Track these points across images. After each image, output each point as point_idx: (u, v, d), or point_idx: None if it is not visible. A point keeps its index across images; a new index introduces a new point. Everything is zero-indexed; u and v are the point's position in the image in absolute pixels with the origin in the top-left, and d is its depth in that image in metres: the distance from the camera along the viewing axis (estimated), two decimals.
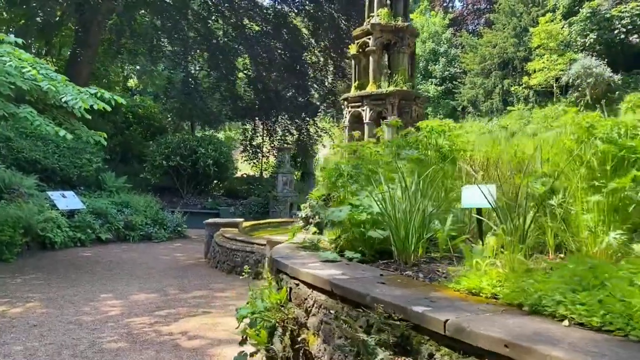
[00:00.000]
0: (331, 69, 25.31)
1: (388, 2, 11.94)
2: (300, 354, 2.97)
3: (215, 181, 21.84)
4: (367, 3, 12.33)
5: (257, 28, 24.19)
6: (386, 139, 7.57)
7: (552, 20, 29.25)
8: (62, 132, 8.86)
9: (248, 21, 23.92)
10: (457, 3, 44.37)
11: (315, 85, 25.59)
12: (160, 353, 5.14)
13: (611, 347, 1.66)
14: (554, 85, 28.81)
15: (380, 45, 11.61)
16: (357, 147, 4.51)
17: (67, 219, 12.45)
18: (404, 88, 11.17)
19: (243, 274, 4.52)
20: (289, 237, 4.25)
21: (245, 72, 25.82)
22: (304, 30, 25.04)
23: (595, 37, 27.78)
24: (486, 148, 3.64)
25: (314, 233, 7.11)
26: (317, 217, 11.41)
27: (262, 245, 9.36)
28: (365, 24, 11.95)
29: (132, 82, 30.09)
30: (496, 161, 3.41)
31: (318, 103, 26.63)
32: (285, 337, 3.10)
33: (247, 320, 3.73)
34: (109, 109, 9.26)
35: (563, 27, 29.21)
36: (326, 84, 25.63)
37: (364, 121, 11.29)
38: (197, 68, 26.84)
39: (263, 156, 26.19)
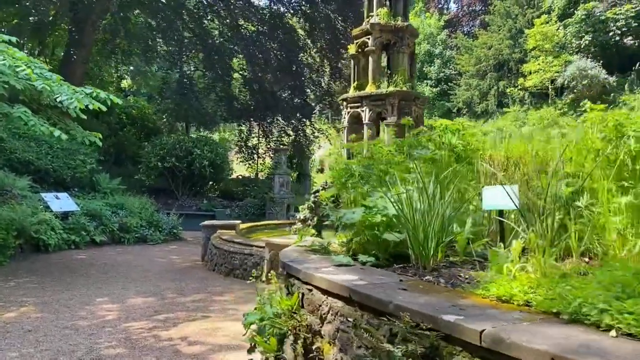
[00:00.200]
0: (327, 69, 25.19)
1: (387, 2, 11.83)
2: None
3: (210, 182, 21.67)
4: (366, 3, 12.22)
5: (252, 28, 24.04)
6: (386, 140, 7.46)
7: (547, 22, 29.33)
8: (57, 133, 8.68)
9: (244, 21, 23.77)
10: (452, 5, 44.45)
11: (312, 86, 25.46)
12: (160, 359, 4.98)
13: None
14: (549, 87, 28.86)
15: (379, 45, 11.50)
16: (368, 147, 4.37)
17: (61, 221, 12.24)
18: (404, 88, 11.06)
19: (250, 278, 4.39)
20: (297, 239, 4.10)
21: (240, 72, 25.65)
22: (300, 31, 24.91)
23: (590, 39, 27.88)
24: (506, 147, 3.52)
25: (312, 235, 6.99)
26: (315, 218, 11.31)
27: (261, 247, 9.23)
28: (364, 23, 11.84)
29: (125, 83, 29.86)
30: (517, 161, 3.30)
31: (313, 104, 26.51)
32: (298, 345, 2.95)
33: (254, 327, 3.58)
34: (104, 109, 9.11)
35: (558, 29, 29.30)
36: (322, 84, 25.51)
37: (364, 122, 11.17)
38: (192, 68, 26.65)
39: (259, 157, 26.03)
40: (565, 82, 27.38)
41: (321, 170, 34.42)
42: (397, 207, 3.07)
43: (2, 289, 7.88)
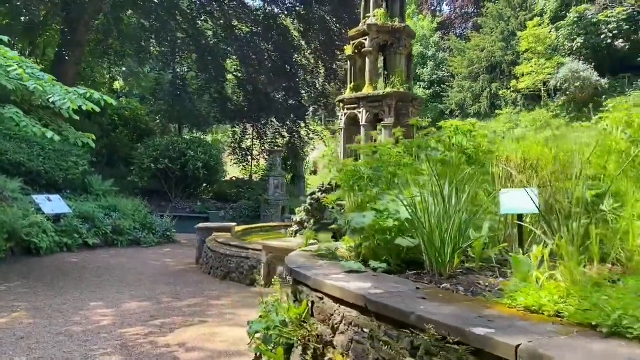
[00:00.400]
0: (322, 71, 25.08)
1: (384, 2, 11.75)
2: None
3: (204, 184, 21.49)
4: (363, 3, 12.16)
5: (246, 29, 23.89)
6: (384, 141, 7.34)
7: (539, 25, 29.45)
8: (49, 134, 8.50)
9: (238, 22, 23.60)
10: (445, 7, 44.54)
11: (306, 88, 25.34)
12: None
13: None
14: (542, 89, 28.98)
15: (376, 46, 11.43)
16: (376, 148, 4.26)
17: (53, 224, 12.02)
18: (401, 90, 11.00)
19: (255, 284, 4.27)
20: (304, 243, 3.97)
21: (234, 73, 25.49)
22: (295, 32, 24.79)
23: (582, 41, 28.04)
24: (523, 149, 3.42)
25: (312, 238, 6.87)
26: (312, 221, 11.19)
27: (257, 250, 9.10)
28: (361, 24, 11.76)
29: (117, 84, 29.59)
30: (534, 163, 3.19)
31: (307, 105, 26.40)
32: (308, 356, 2.83)
33: (259, 335, 3.45)
34: (97, 109, 8.96)
35: (551, 31, 29.44)
36: (317, 86, 25.39)
37: (361, 123, 11.09)
38: (186, 69, 26.45)
39: (253, 159, 25.86)
40: (558, 84, 27.50)
41: (314, 172, 34.31)
42: (410, 211, 2.96)
43: None
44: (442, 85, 36.06)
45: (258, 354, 3.33)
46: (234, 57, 23.95)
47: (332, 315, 2.77)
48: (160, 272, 10.28)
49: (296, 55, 24.28)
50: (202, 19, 24.25)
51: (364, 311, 2.49)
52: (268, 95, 23.74)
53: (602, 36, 27.39)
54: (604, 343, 1.75)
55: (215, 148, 22.24)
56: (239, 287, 8.95)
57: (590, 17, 27.98)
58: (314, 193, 11.04)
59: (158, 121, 25.45)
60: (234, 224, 12.90)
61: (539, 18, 30.12)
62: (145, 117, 24.77)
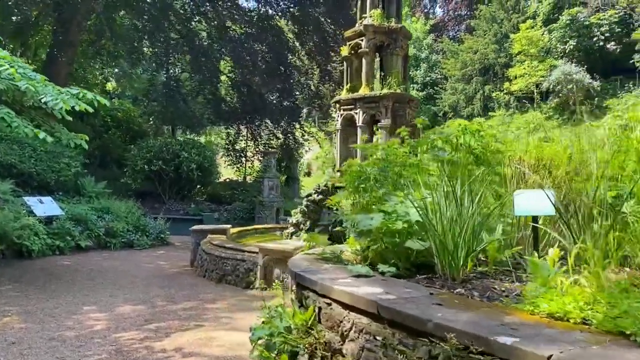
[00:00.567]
0: (317, 72, 24.98)
1: (380, 3, 11.67)
2: None
3: (198, 186, 21.32)
4: (358, 4, 12.06)
5: (240, 30, 23.74)
6: (384, 142, 7.26)
7: (532, 27, 29.60)
8: (42, 135, 8.33)
9: (231, 23, 23.46)
10: (438, 9, 44.65)
11: (301, 89, 25.23)
12: None
13: None
14: (535, 91, 29.11)
15: (373, 47, 11.34)
16: (382, 148, 4.16)
17: (45, 226, 11.83)
18: (398, 90, 10.92)
19: (252, 287, 4.16)
20: (305, 246, 3.86)
21: (228, 75, 25.33)
22: (289, 34, 24.68)
23: (574, 44, 28.22)
24: (538, 149, 3.32)
25: (305, 240, 6.76)
26: (307, 222, 11.07)
27: (253, 252, 8.99)
28: (357, 25, 11.68)
29: (110, 85, 29.35)
30: (547, 164, 3.10)
31: (301, 106, 26.29)
32: None
33: (261, 341, 3.33)
34: (91, 110, 8.80)
35: (543, 33, 29.58)
36: (312, 87, 25.28)
37: (357, 124, 11.00)
38: (179, 70, 26.27)
39: (247, 160, 25.70)
40: (551, 86, 27.64)
41: (308, 174, 34.22)
42: (421, 213, 2.85)
43: None
44: (435, 88, 36.12)
45: None
46: (228, 58, 23.78)
47: (341, 321, 2.66)
48: (154, 274, 10.13)
49: (290, 57, 24.16)
50: (196, 19, 24.09)
51: (375, 318, 2.38)
52: (262, 97, 23.60)
53: (594, 39, 27.59)
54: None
55: (209, 149, 22.09)
56: (235, 290, 8.82)
57: (582, 19, 28.17)
58: (309, 195, 10.93)
59: (151, 122, 25.25)
60: (228, 225, 12.77)
61: (532, 20, 30.27)
62: (138, 119, 24.57)
